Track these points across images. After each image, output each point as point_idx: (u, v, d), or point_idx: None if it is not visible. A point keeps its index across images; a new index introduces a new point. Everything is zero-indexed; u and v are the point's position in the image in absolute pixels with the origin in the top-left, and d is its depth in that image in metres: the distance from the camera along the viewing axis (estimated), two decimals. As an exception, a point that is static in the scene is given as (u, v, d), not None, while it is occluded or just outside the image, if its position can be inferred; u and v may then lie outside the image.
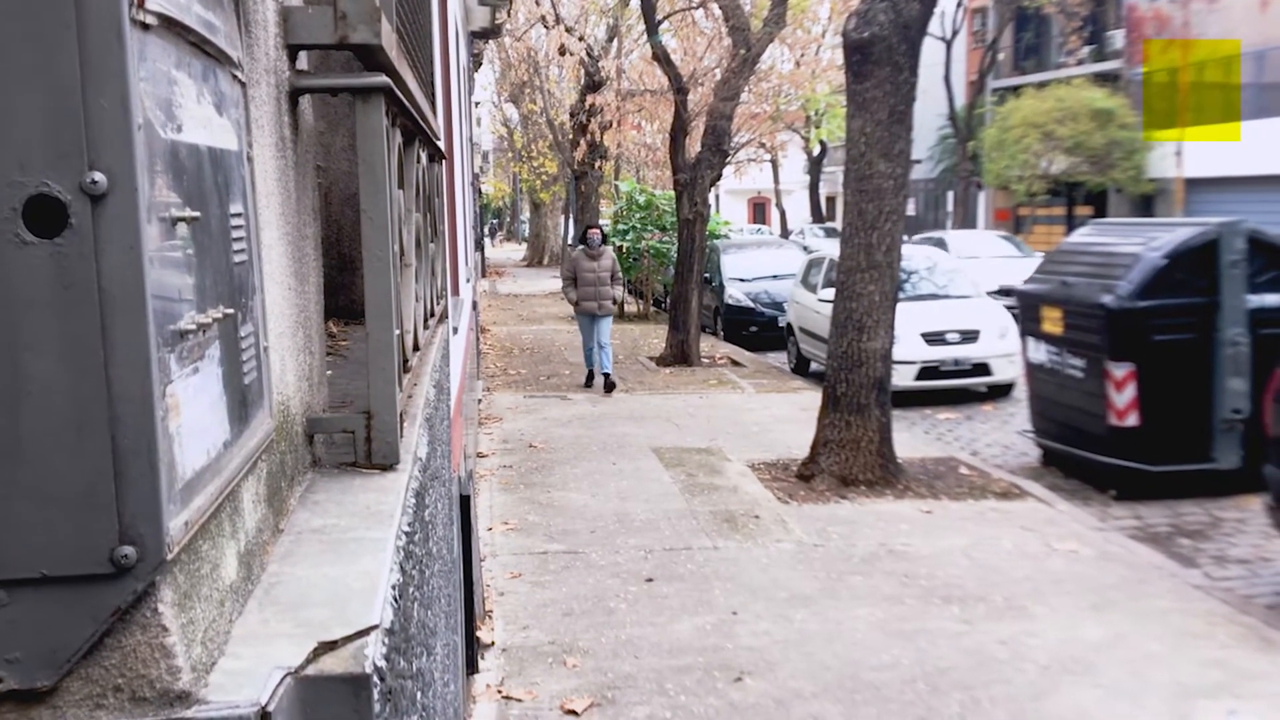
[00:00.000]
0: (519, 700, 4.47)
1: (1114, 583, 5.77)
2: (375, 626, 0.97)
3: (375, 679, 0.93)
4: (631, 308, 20.67)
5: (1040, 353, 8.70)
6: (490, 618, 5.36)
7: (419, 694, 1.28)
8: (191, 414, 0.93)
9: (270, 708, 0.86)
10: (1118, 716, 4.22)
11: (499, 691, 4.55)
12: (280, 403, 1.28)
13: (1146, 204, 31.64)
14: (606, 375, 11.86)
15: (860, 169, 7.66)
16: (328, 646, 0.94)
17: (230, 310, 1.06)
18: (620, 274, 12.55)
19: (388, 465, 1.49)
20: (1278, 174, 26.62)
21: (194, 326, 0.94)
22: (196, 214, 0.97)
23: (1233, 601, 5.57)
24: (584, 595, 5.66)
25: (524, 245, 47.99)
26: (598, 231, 12.18)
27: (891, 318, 7.85)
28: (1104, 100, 30.17)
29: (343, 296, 3.17)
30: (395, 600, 1.11)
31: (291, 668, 0.92)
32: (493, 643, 5.04)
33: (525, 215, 53.82)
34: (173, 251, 0.92)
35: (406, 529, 1.31)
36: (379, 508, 1.31)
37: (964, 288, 13.02)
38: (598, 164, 26.04)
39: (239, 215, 1.14)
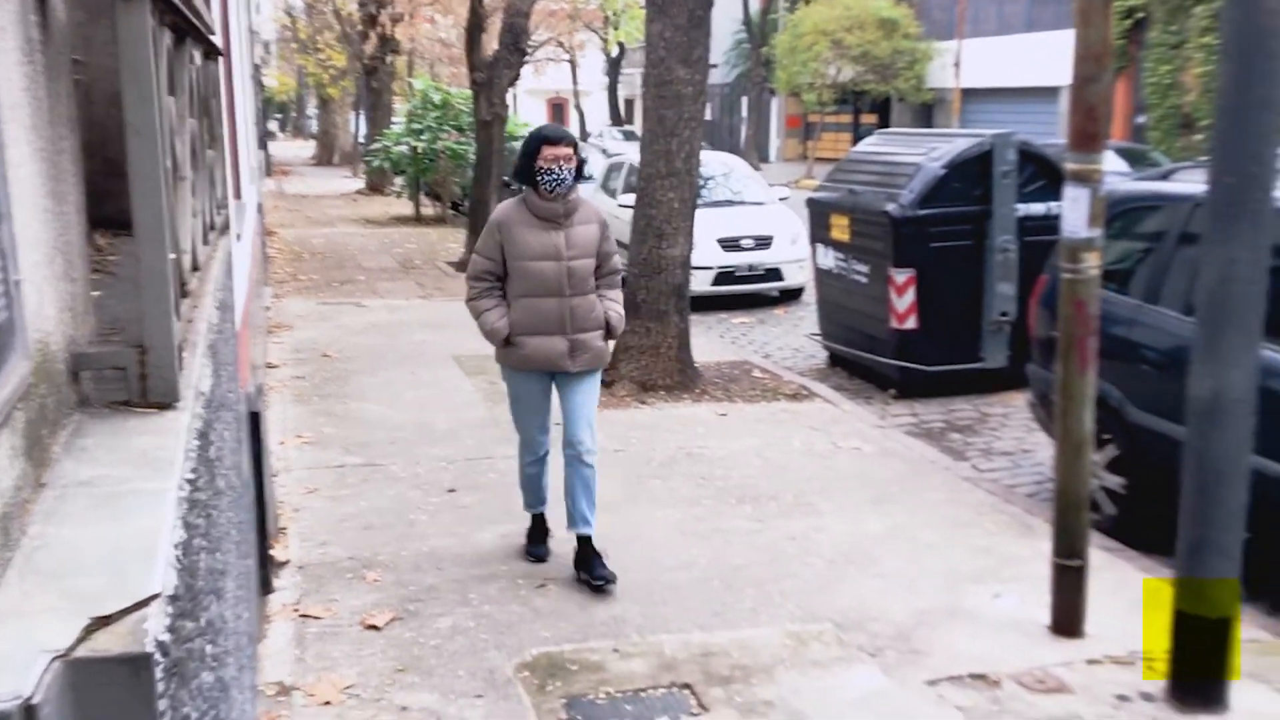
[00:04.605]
0: (317, 618, 4.39)
1: (893, 477, 6.12)
2: (157, 595, 0.88)
3: (158, 656, 0.84)
4: (429, 210, 20.15)
5: (828, 259, 9.01)
6: (285, 535, 5.21)
7: (208, 647, 1.20)
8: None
9: (36, 699, 0.75)
10: (896, 604, 4.51)
11: (295, 610, 4.44)
12: (39, 340, 1.16)
13: (927, 113, 33.02)
14: (584, 539, 4.72)
15: (659, 74, 7.63)
16: (102, 622, 0.84)
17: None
18: (619, 264, 4.82)
19: (166, 403, 1.37)
20: (1044, 85, 28.16)
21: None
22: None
23: (998, 492, 6.01)
24: (384, 508, 5.57)
25: (312, 142, 45.82)
26: (568, 154, 4.48)
27: (690, 225, 7.94)
28: (889, 9, 31.03)
29: (110, 205, 2.92)
30: (180, 560, 1.02)
31: (60, 650, 0.82)
32: (288, 561, 4.91)
33: (313, 111, 51.30)
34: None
35: (190, 476, 1.21)
36: (157, 453, 1.20)
37: (758, 194, 13.29)
38: (389, 59, 24.99)
39: (-24, 134, 1.00)
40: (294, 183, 28.60)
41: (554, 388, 4.74)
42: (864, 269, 8.42)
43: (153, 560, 0.95)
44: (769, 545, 5.13)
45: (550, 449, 4.87)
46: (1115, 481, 5.60)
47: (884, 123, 34.80)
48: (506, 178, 15.57)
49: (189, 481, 1.19)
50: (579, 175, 4.54)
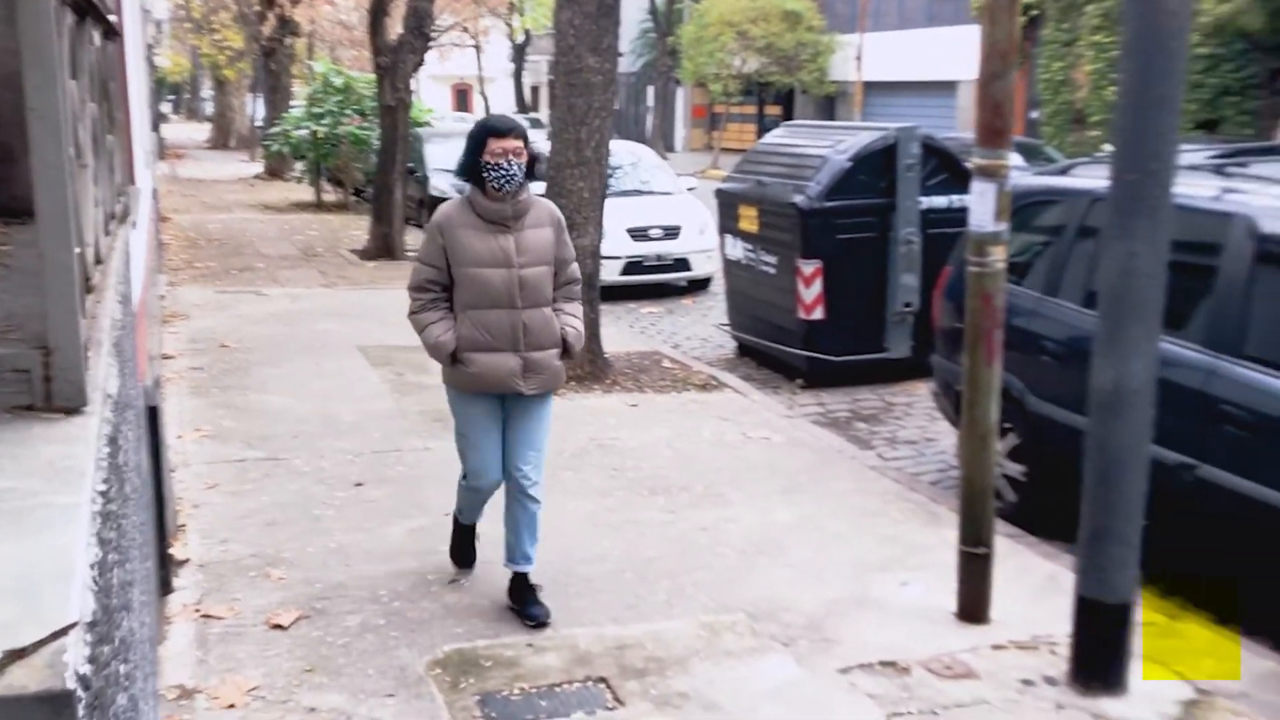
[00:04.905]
0: (219, 618, 4.26)
1: (802, 467, 6.18)
2: (76, 623, 0.81)
3: (79, 691, 0.77)
4: (331, 196, 19.73)
5: (737, 250, 9.07)
6: (184, 533, 5.04)
7: (121, 667, 1.13)
8: None
9: (-55, 746, 0.68)
10: (807, 593, 4.56)
11: (197, 610, 4.30)
12: (-69, 341, 1.07)
13: (830, 105, 33.48)
14: (521, 576, 4.36)
15: (569, 62, 7.57)
16: (15, 656, 0.76)
17: None
18: (577, 272, 4.31)
19: (73, 408, 1.29)
20: (943, 80, 28.78)
21: None
22: None
23: (903, 480, 6.12)
24: (288, 503, 5.43)
25: (207, 125, 44.50)
26: (517, 147, 3.97)
27: (600, 214, 7.90)
28: (794, 2, 31.35)
29: (2, 192, 2.77)
30: (96, 581, 0.95)
31: (-32, 690, 0.73)
32: (188, 559, 4.76)
33: (207, 93, 49.80)
34: None
35: (102, 487, 1.14)
36: (66, 463, 1.12)
37: (666, 184, 13.31)
38: (288, 40, 24.39)
39: None
40: (188, 166, 27.74)
41: (510, 413, 4.21)
42: (772, 260, 8.49)
43: (69, 583, 0.87)
44: (681, 536, 5.14)
45: (498, 480, 4.30)
46: (1016, 469, 5.74)
47: (788, 114, 35.18)
48: (411, 165, 15.31)
49: (100, 494, 1.11)
50: (531, 172, 4.05)
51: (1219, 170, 5.01)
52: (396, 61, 13.12)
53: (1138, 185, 3.53)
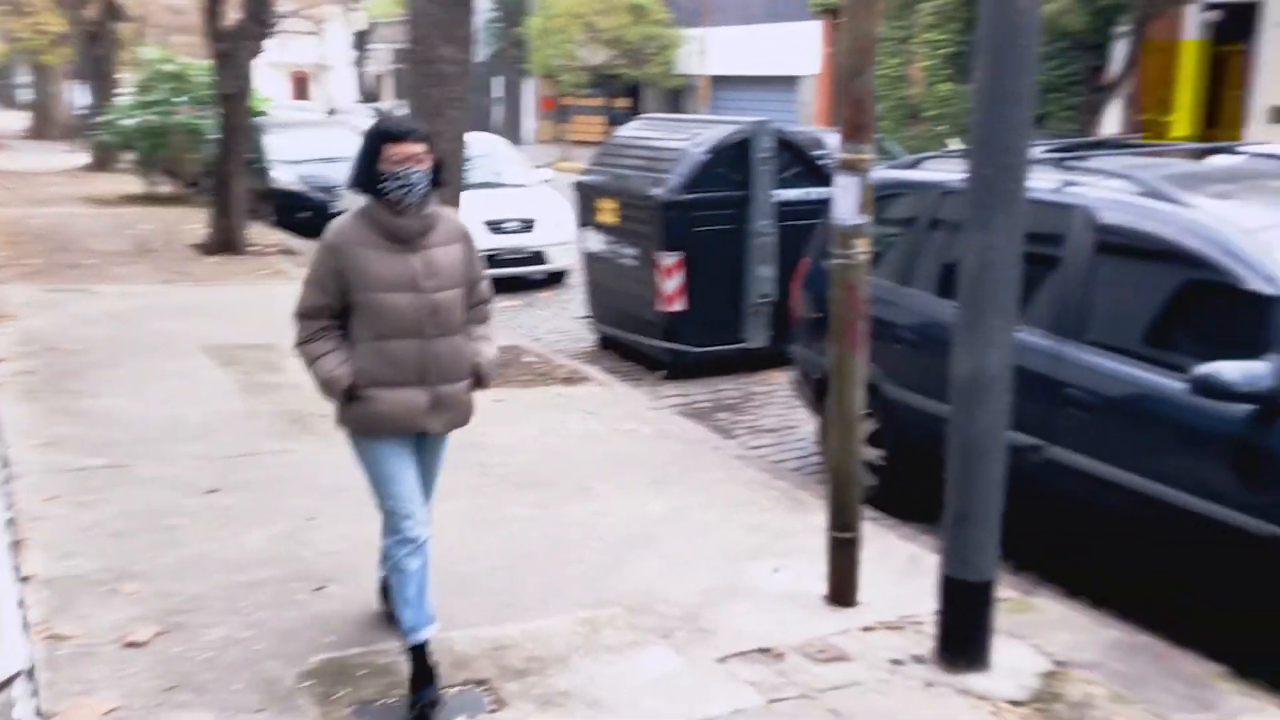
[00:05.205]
0: (68, 638, 4.02)
1: (669, 458, 6.22)
2: (19, 673, 0.73)
3: None
4: (165, 189, 18.83)
5: (597, 242, 9.06)
6: (24, 548, 4.73)
7: None
8: None
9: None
10: (682, 584, 4.59)
11: (43, 630, 4.05)
12: None
13: (676, 98, 33.80)
14: (417, 650, 3.66)
15: (422, 52, 7.41)
16: None
17: None
18: (488, 291, 3.87)
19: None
20: (784, 75, 29.42)
21: None
22: None
23: (767, 468, 6.24)
24: (136, 513, 5.17)
25: (25, 113, 41.92)
26: (418, 153, 3.48)
27: (458, 208, 7.76)
28: (640, -5, 31.50)
29: None
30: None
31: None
32: (30, 576, 4.47)
33: (25, 79, 46.93)
34: None
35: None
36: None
37: (520, 176, 13.21)
38: (114, 25, 23.19)
39: None
40: (5, 158, 26.06)
41: (419, 451, 3.78)
42: (632, 252, 8.51)
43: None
44: (554, 532, 5.11)
45: (430, 536, 3.72)
46: (874, 454, 5.90)
47: (636, 107, 35.34)
48: (250, 156, 14.71)
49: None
50: (437, 180, 3.56)
51: (1059, 164, 5.24)
52: (236, 48, 12.61)
53: (993, 180, 3.67)
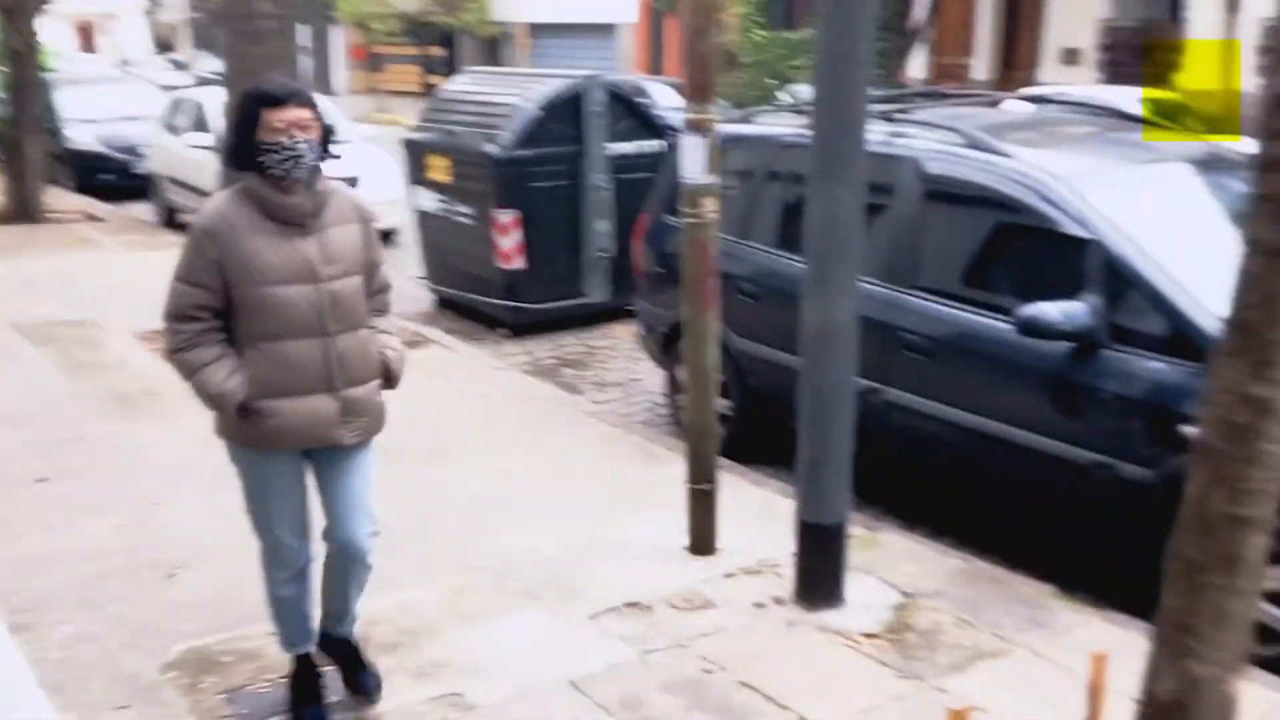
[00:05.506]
0: (-101, 648, 3.77)
1: (521, 419, 6.23)
2: None
3: None
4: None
5: (430, 201, 8.91)
6: None
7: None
8: None
9: None
10: (546, 544, 4.63)
11: None
12: None
13: (494, 47, 33.28)
14: (343, 641, 3.57)
15: (239, 7, 7.08)
16: None
17: None
18: (388, 278, 3.45)
19: None
20: (602, 22, 29.36)
21: None
22: None
23: (618, 423, 6.33)
24: (-41, 509, 4.86)
25: None
26: (304, 119, 3.04)
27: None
28: (452, -60, 30.73)
29: None
30: None
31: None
32: None
33: None
34: None
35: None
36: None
37: (340, 131, 12.77)
38: None
39: None
40: None
41: (310, 465, 3.31)
42: (468, 210, 8.40)
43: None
44: (414, 501, 5.05)
45: (313, 558, 3.42)
46: (722, 404, 6.06)
47: (452, 56, 34.63)
48: (43, 115, 13.68)
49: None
50: (326, 150, 3.11)
51: (886, 116, 5.45)
52: (22, 1, 11.71)
53: (836, 138, 3.80)
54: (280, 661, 3.66)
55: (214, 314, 3.09)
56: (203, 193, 11.38)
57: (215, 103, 11.24)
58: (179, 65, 31.66)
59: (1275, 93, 2.42)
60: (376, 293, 3.36)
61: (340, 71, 38.82)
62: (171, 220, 12.70)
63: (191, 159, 11.66)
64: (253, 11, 7.06)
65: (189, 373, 3.11)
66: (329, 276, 3.12)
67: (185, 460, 5.46)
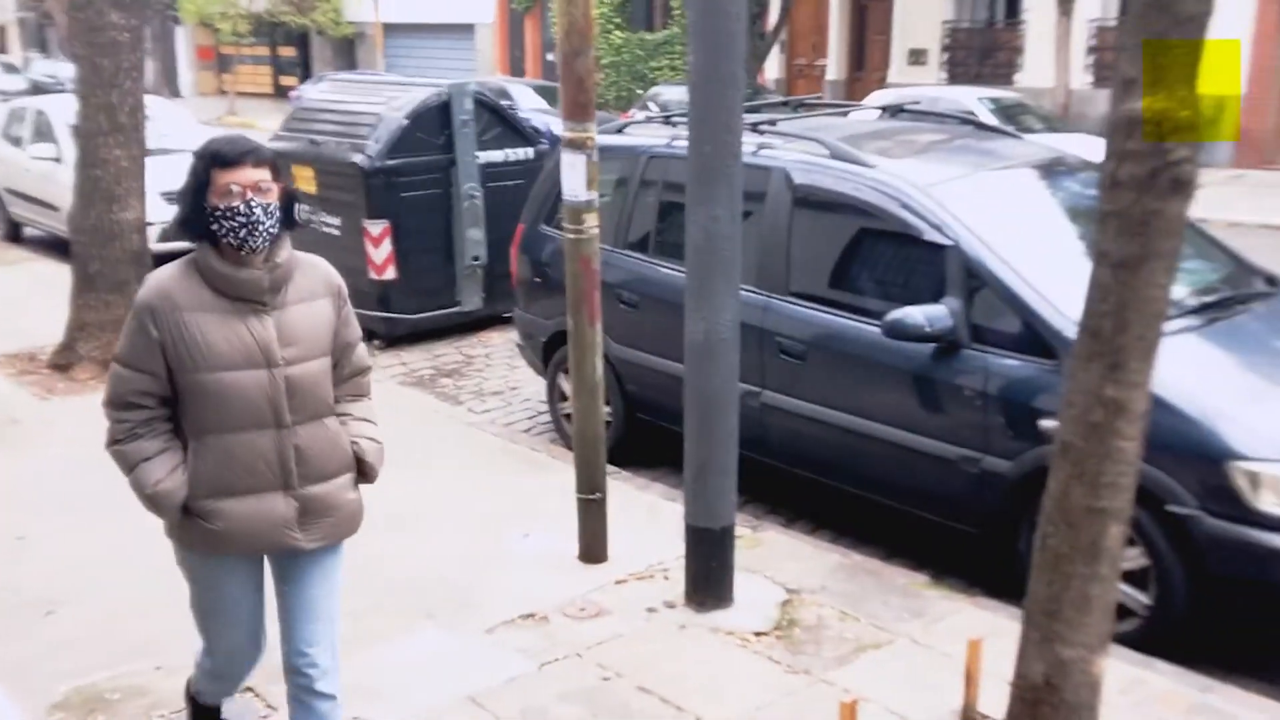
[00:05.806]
0: None
1: (403, 433, 6.09)
2: None
3: None
4: None
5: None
6: None
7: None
8: None
9: None
10: (438, 560, 4.65)
11: None
12: None
13: (349, 47, 32.62)
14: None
15: (89, 18, 6.83)
16: None
17: None
18: (366, 356, 3.09)
19: None
20: (460, 23, 29.12)
21: None
22: None
23: (500, 432, 6.36)
24: None
25: None
26: (259, 180, 2.68)
27: (142, 184, 7.32)
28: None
29: None
30: None
31: None
32: None
33: None
34: None
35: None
36: None
37: (191, 139, 12.39)
38: None
39: None
40: None
41: (267, 571, 2.97)
42: (336, 221, 8.29)
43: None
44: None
45: (259, 665, 3.16)
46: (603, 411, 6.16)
47: (304, 56, 33.83)
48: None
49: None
50: (289, 217, 2.78)
51: (754, 128, 5.62)
52: None
53: (713, 156, 3.93)
54: (172, 695, 3.60)
55: (160, 401, 2.76)
56: (50, 207, 10.91)
57: (61, 112, 10.81)
58: (10, 68, 30.05)
59: (1123, 116, 2.62)
60: (352, 375, 3.01)
61: (187, 73, 37.48)
62: (17, 236, 12.15)
63: (36, 171, 11.16)
64: (104, 24, 6.82)
65: (127, 468, 2.77)
66: (286, 361, 2.76)
67: (51, 490, 5.29)
